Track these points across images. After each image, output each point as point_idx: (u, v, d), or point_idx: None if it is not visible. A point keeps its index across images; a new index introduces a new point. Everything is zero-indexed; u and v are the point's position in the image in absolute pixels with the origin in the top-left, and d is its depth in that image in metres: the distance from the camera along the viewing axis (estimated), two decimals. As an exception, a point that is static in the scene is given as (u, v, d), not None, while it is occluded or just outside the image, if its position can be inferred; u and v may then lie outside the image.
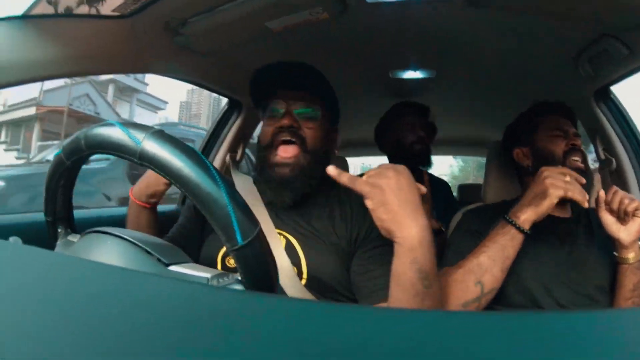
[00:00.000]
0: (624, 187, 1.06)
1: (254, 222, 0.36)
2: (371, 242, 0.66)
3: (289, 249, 0.67)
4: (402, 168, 0.53)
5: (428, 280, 0.51)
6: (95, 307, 0.19)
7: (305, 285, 0.64)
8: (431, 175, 1.36)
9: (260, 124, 0.76)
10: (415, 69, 1.12)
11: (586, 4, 0.78)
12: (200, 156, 0.37)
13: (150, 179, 0.73)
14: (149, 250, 0.39)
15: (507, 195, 0.95)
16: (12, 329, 0.17)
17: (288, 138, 0.68)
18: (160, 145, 0.36)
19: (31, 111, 11.61)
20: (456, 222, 0.93)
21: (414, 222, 0.50)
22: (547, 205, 0.68)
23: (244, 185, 0.75)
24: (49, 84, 11.99)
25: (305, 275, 0.66)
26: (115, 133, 0.38)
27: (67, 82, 12.84)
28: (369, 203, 0.51)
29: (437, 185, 1.33)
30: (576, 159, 0.85)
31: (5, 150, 11.71)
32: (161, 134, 0.37)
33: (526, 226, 0.68)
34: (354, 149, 2.10)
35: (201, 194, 0.35)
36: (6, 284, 0.21)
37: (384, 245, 0.61)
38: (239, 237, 0.34)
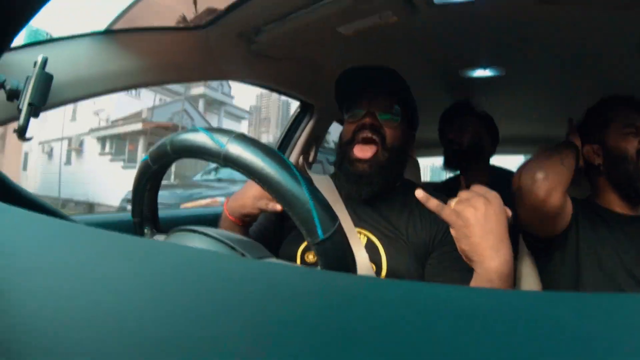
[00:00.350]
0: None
1: (334, 217, 0.38)
2: (449, 244, 0.65)
3: (370, 247, 0.68)
4: (493, 196, 0.51)
5: None
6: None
7: None
8: (498, 170, 1.32)
9: (332, 126, 0.78)
10: (485, 68, 1.10)
11: None
12: (281, 156, 0.38)
13: (245, 202, 0.69)
14: (233, 246, 0.41)
15: (576, 194, 0.91)
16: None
17: (369, 135, 0.70)
18: (243, 147, 0.38)
19: (138, 127, 12.75)
20: None
21: (496, 254, 0.49)
22: None
23: (322, 183, 0.77)
24: (148, 102, 13.37)
25: (384, 273, 0.67)
26: (200, 138, 0.40)
27: (165, 99, 14.08)
28: (453, 232, 0.51)
29: (502, 178, 1.29)
30: None
31: (111, 160, 12.86)
32: (243, 137, 0.39)
33: None
34: (424, 150, 2.06)
35: (283, 191, 0.36)
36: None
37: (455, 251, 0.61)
38: (319, 232, 0.36)
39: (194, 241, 0.44)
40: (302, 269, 0.36)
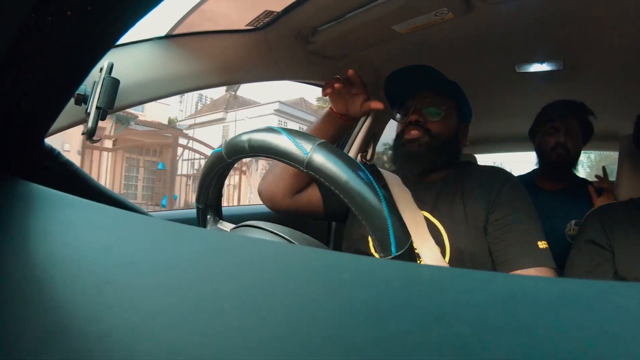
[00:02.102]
0: None
1: (408, 236, 0.39)
2: (501, 212, 0.73)
3: (432, 229, 0.73)
4: None
5: None
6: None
7: (449, 264, 0.69)
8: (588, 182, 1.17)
9: (389, 124, 0.84)
10: (542, 62, 1.07)
11: None
12: (363, 170, 0.39)
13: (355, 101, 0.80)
14: (295, 243, 0.42)
15: None
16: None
17: (414, 133, 0.80)
18: (327, 158, 0.39)
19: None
20: (584, 218, 0.87)
21: None
22: None
23: (391, 178, 0.84)
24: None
25: (448, 254, 0.71)
26: (283, 142, 0.41)
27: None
28: None
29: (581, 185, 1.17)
30: None
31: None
32: (327, 146, 0.40)
33: None
34: (484, 146, 2.01)
35: (364, 205, 0.37)
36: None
37: (514, 213, 0.71)
38: (393, 248, 0.37)
39: (260, 235, 0.44)
40: (381, 261, 0.38)
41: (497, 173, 0.80)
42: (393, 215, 0.38)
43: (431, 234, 0.71)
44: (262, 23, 0.94)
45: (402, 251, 0.37)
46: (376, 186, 0.38)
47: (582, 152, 1.15)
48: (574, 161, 1.12)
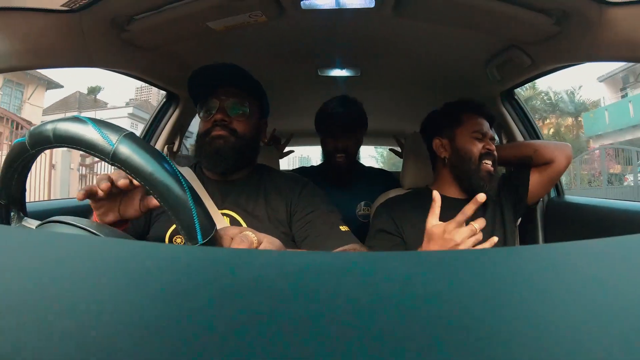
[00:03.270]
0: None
1: (213, 224, 0.42)
2: (304, 212, 0.80)
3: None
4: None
5: None
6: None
7: None
8: (370, 169, 1.46)
9: (197, 117, 0.86)
10: (341, 68, 1.24)
11: (495, 20, 0.89)
12: (169, 162, 0.41)
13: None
14: (100, 235, 0.42)
15: (423, 180, 1.08)
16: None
17: (221, 133, 0.81)
18: (133, 150, 0.39)
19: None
20: (375, 209, 1.05)
21: None
22: None
23: (184, 173, 0.83)
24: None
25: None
26: (89, 132, 0.40)
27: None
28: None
29: (376, 176, 1.43)
30: (488, 162, 0.96)
31: None
32: (133, 138, 0.40)
33: None
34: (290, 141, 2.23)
35: (170, 197, 0.39)
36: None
37: (314, 210, 0.79)
38: (199, 237, 0.40)
39: (69, 231, 0.43)
40: (184, 247, 0.39)
41: (297, 179, 0.88)
42: (197, 205, 0.40)
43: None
44: (77, 5, 0.89)
45: (207, 239, 0.40)
46: (181, 177, 0.40)
47: (376, 148, 1.39)
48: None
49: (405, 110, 1.60)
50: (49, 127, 0.42)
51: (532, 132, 1.31)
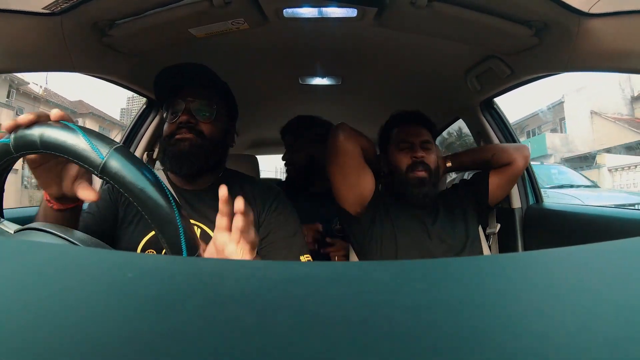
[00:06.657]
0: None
1: (198, 244, 0.41)
2: (268, 228, 0.79)
3: (204, 237, 0.75)
4: None
5: None
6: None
7: None
8: None
9: None
10: (322, 77, 1.26)
11: (475, 30, 0.91)
12: (158, 179, 0.40)
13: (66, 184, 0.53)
14: (78, 244, 0.41)
15: None
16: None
17: (186, 136, 0.78)
18: (123, 164, 0.38)
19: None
20: None
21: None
22: None
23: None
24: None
25: None
26: (78, 141, 0.39)
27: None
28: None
29: None
30: (419, 171, 1.00)
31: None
32: (124, 151, 0.40)
33: None
34: (267, 148, 2.25)
35: (158, 214, 0.39)
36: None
37: (279, 231, 0.78)
38: (184, 253, 0.39)
39: (43, 239, 0.42)
40: (165, 257, 0.38)
41: (269, 188, 0.85)
42: (184, 223, 0.40)
43: (205, 242, 0.74)
44: (59, 8, 0.89)
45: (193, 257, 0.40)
46: (171, 197, 0.40)
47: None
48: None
49: (386, 119, 1.62)
50: (37, 132, 0.40)
51: (511, 140, 1.34)
